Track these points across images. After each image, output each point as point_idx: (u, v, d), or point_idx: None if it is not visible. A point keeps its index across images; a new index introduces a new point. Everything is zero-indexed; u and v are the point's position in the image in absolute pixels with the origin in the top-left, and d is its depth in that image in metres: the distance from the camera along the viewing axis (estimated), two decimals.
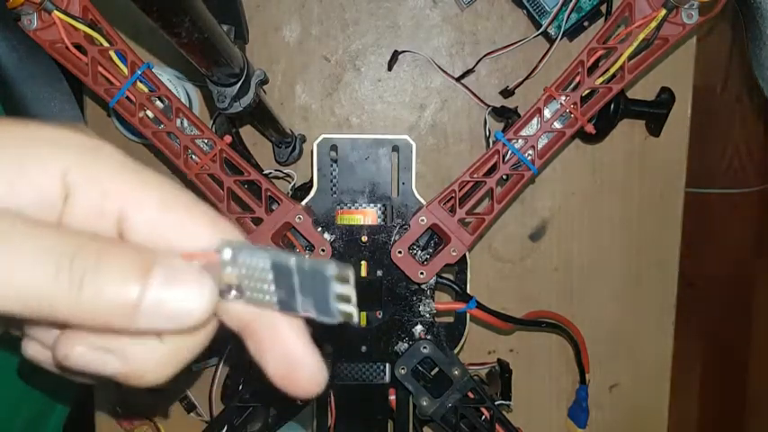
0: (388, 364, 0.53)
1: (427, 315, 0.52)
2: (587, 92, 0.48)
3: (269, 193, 0.50)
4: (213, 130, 0.51)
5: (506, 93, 0.63)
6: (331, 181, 0.51)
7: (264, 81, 0.49)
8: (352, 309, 0.21)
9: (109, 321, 0.18)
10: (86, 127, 0.22)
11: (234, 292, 0.21)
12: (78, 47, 0.47)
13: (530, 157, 0.49)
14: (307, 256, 0.22)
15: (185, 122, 0.49)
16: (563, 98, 0.48)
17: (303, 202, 0.51)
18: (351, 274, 0.21)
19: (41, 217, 0.19)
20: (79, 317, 0.18)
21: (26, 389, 0.53)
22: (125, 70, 0.48)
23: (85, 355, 0.19)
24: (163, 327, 0.19)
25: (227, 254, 0.20)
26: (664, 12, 0.46)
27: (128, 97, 0.48)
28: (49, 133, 0.20)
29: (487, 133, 0.61)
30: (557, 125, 0.49)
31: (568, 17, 0.58)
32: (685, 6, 0.46)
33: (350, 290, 0.21)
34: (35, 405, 0.55)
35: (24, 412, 0.53)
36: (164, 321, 0.19)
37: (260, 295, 0.21)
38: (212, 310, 0.19)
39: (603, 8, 0.59)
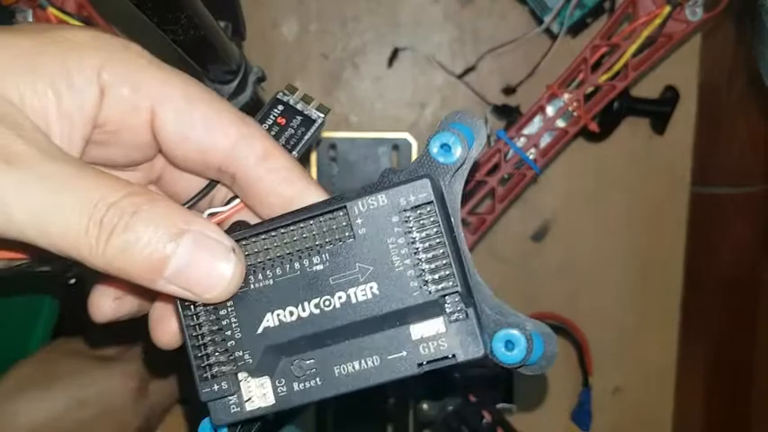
0: None
1: None
2: (591, 89, 0.48)
3: None
4: None
5: (508, 90, 0.62)
6: (330, 180, 0.51)
7: (262, 78, 0.49)
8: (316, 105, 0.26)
9: (131, 278, 0.19)
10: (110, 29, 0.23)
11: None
12: None
13: (532, 156, 0.48)
14: None
15: None
16: (566, 96, 0.47)
17: None
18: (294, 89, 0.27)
19: (80, 119, 0.20)
20: (102, 268, 0.18)
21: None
22: None
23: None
24: (183, 295, 0.19)
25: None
26: (668, 8, 0.45)
27: None
28: (83, 35, 0.21)
29: (489, 132, 0.60)
30: (559, 123, 0.49)
31: (571, 13, 0.57)
32: (689, 3, 0.45)
33: (299, 96, 0.26)
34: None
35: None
36: (183, 291, 0.19)
37: None
38: (236, 290, 0.20)
39: (607, 5, 0.59)
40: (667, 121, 0.62)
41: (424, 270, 0.20)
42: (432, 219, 0.20)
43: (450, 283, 0.19)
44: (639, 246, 0.65)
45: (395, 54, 0.63)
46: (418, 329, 0.20)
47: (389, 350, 0.20)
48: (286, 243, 0.20)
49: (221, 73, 0.45)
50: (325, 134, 0.51)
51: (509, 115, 0.60)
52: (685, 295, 0.65)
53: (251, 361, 0.20)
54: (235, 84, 0.46)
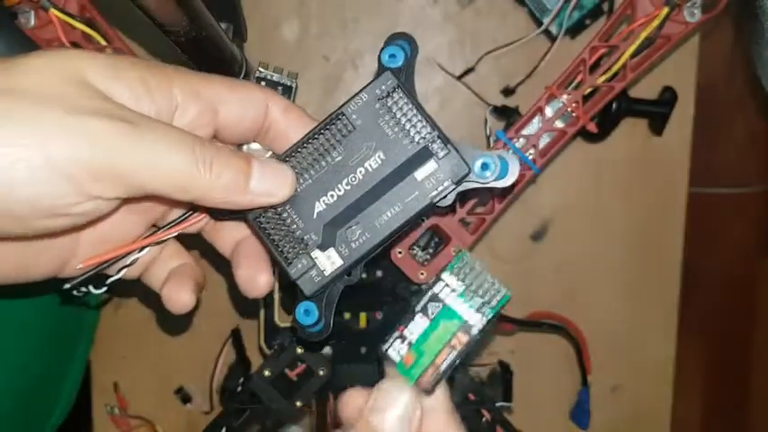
0: None
1: None
2: (589, 90, 0.48)
3: None
4: None
5: (507, 91, 0.63)
6: None
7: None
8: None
9: (229, 196, 0.25)
10: None
11: None
12: (76, 45, 0.47)
13: (531, 157, 0.49)
14: None
15: None
16: (565, 97, 0.48)
17: None
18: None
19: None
20: (209, 193, 0.24)
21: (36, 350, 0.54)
22: None
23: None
24: (266, 200, 0.27)
25: None
26: (666, 10, 0.45)
27: None
28: (152, 63, 0.25)
29: (488, 132, 0.60)
30: (558, 124, 0.49)
31: (570, 15, 0.57)
32: (687, 4, 0.45)
33: (272, 68, 0.42)
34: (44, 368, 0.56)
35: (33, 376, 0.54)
36: (266, 197, 0.26)
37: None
38: (293, 189, 0.27)
39: (605, 6, 0.59)
40: (665, 121, 0.62)
41: (408, 131, 0.27)
42: (401, 97, 0.27)
43: (428, 131, 0.27)
44: (638, 245, 0.66)
45: None
46: (420, 173, 0.27)
47: (406, 195, 0.27)
48: (310, 152, 0.28)
49: (222, 74, 0.45)
50: None
51: (508, 116, 0.60)
52: (683, 294, 0.66)
53: (317, 238, 0.28)
54: None
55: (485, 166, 0.28)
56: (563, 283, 0.66)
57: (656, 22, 0.45)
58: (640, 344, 0.66)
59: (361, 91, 0.28)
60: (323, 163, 0.27)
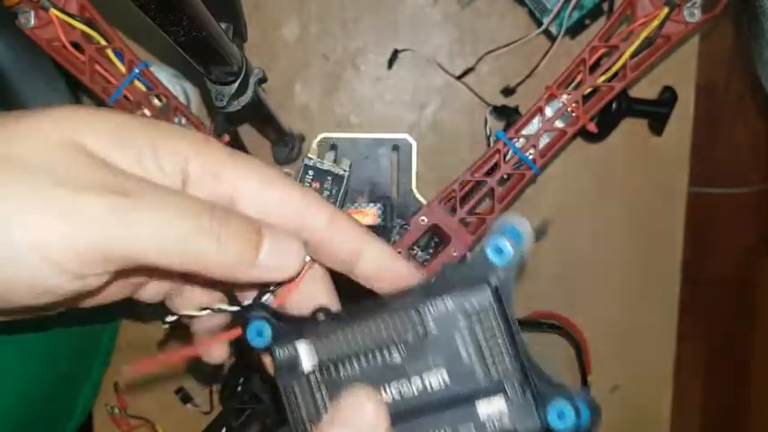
0: None
1: None
2: (589, 90, 0.48)
3: None
4: (213, 128, 0.51)
5: (507, 91, 0.63)
6: None
7: (263, 80, 0.49)
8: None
9: (233, 271, 0.22)
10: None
11: None
12: (76, 45, 0.47)
13: (531, 157, 0.49)
14: None
15: (183, 121, 0.49)
16: (564, 97, 0.48)
17: None
18: None
19: None
20: (212, 268, 0.22)
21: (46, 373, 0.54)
22: (122, 69, 0.47)
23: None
24: (273, 275, 0.23)
25: None
26: (666, 10, 0.45)
27: (125, 96, 0.48)
28: (171, 127, 0.24)
29: (488, 132, 0.60)
30: (558, 124, 0.49)
31: (570, 15, 0.57)
32: (687, 4, 0.45)
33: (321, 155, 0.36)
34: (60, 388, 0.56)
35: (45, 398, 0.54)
36: (274, 272, 0.23)
37: None
38: (302, 265, 0.24)
39: (605, 6, 0.59)
40: (665, 121, 0.62)
41: (485, 360, 0.23)
42: (492, 318, 0.24)
43: (510, 370, 0.23)
44: (638, 245, 0.66)
45: (395, 55, 0.63)
46: (483, 407, 0.23)
47: (460, 424, 0.23)
48: (369, 337, 0.24)
49: (222, 74, 0.45)
50: (326, 135, 0.51)
51: (508, 116, 0.60)
52: (683, 294, 0.66)
53: None
54: (236, 85, 0.46)
55: (561, 416, 0.23)
56: (563, 283, 0.66)
57: (656, 22, 0.45)
58: (640, 344, 0.66)
59: (448, 293, 0.23)
60: (378, 358, 0.23)
